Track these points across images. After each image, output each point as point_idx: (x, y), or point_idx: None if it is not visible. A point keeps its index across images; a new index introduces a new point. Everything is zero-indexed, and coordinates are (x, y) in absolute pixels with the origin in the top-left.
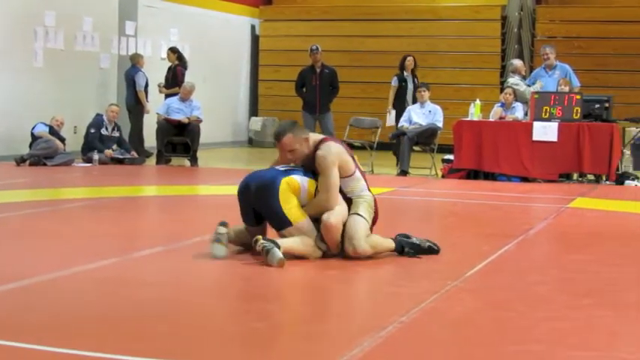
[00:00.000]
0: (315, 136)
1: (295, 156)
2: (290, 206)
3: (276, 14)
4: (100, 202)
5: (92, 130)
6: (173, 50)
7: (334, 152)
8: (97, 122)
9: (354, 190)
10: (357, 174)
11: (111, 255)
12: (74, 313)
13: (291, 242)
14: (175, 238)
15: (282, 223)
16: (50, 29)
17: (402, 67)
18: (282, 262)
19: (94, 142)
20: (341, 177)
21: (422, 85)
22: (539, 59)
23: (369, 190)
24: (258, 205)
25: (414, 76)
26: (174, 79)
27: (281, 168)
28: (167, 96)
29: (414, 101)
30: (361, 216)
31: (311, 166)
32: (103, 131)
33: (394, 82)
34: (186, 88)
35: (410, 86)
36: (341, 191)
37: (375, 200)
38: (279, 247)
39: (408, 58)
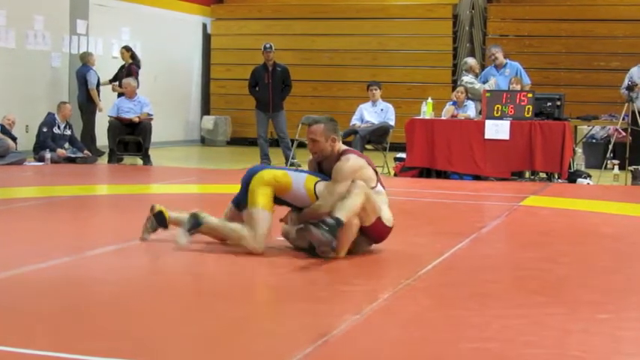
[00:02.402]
0: (341, 145)
1: (315, 147)
2: (256, 192)
3: (227, 13)
4: (51, 201)
5: (44, 129)
6: (127, 49)
7: (355, 166)
8: (49, 121)
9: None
10: (379, 188)
11: (62, 254)
12: (25, 312)
13: (217, 222)
14: (127, 237)
15: (245, 204)
16: (1, 28)
17: None
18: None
19: (46, 141)
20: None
21: (373, 84)
22: None
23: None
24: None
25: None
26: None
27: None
28: (118, 95)
29: None
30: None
31: (328, 170)
32: (55, 130)
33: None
34: (130, 85)
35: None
36: None
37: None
38: (199, 225)
39: None
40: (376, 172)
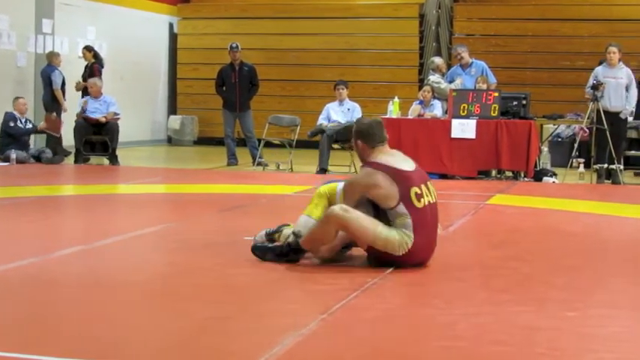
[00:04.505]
0: (375, 153)
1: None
2: (311, 204)
3: (194, 12)
4: (17, 202)
5: (11, 124)
6: (88, 49)
7: (362, 183)
8: (10, 117)
9: (397, 224)
10: (401, 209)
11: (28, 255)
12: None
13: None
14: (94, 238)
15: None
16: None
17: None
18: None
19: (16, 131)
20: (383, 208)
21: (340, 83)
22: None
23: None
24: None
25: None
26: (92, 77)
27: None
28: (83, 93)
29: None
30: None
31: None
32: (19, 124)
33: None
34: (96, 85)
35: None
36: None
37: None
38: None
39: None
40: (413, 191)
